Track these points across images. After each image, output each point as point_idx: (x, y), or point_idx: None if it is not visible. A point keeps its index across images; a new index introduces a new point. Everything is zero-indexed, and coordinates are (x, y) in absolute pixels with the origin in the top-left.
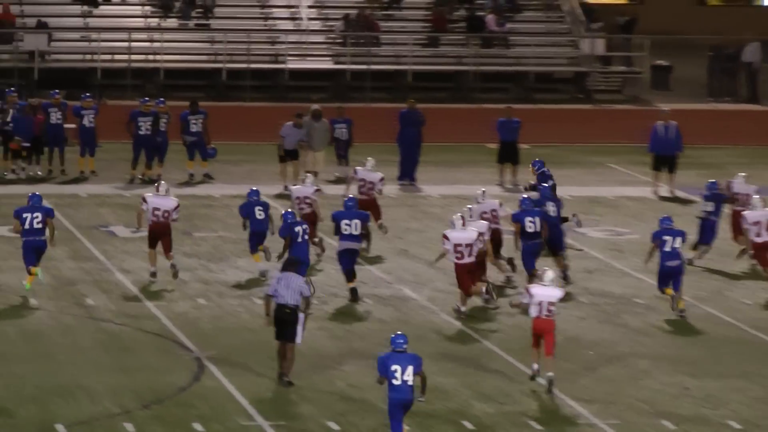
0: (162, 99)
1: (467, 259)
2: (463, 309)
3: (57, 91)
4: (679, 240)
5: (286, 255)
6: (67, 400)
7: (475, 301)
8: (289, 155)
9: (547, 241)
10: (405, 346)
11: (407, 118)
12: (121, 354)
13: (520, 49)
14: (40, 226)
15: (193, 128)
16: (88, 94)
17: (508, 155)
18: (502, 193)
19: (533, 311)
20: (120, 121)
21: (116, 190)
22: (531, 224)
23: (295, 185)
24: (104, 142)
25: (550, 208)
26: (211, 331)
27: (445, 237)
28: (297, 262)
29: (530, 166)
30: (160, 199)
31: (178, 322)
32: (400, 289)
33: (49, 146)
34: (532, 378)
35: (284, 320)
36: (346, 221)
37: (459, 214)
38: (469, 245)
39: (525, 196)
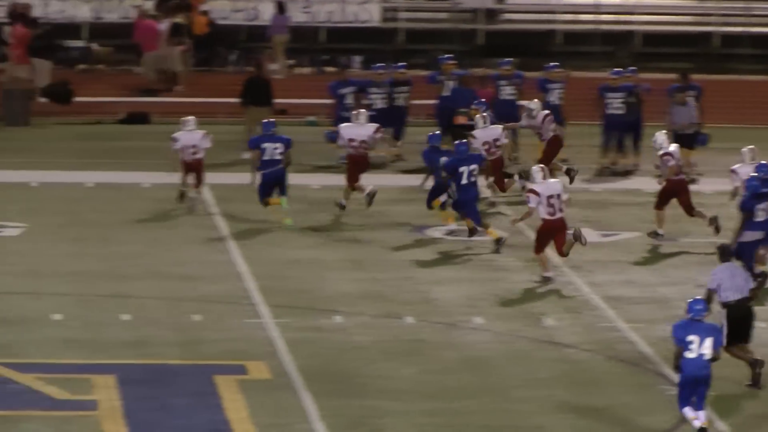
0: (634, 68)
1: (558, 215)
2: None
3: (509, 59)
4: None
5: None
6: None
7: None
8: (682, 141)
9: None
10: (704, 314)
11: None
12: (588, 389)
13: None
14: (280, 156)
15: None
16: (556, 64)
17: None
18: None
19: None
20: (584, 98)
21: (581, 184)
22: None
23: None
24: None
25: None
26: None
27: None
28: (730, 250)
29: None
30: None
31: (660, 349)
32: None
33: None
34: None
35: (746, 317)
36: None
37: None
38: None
39: (754, 174)
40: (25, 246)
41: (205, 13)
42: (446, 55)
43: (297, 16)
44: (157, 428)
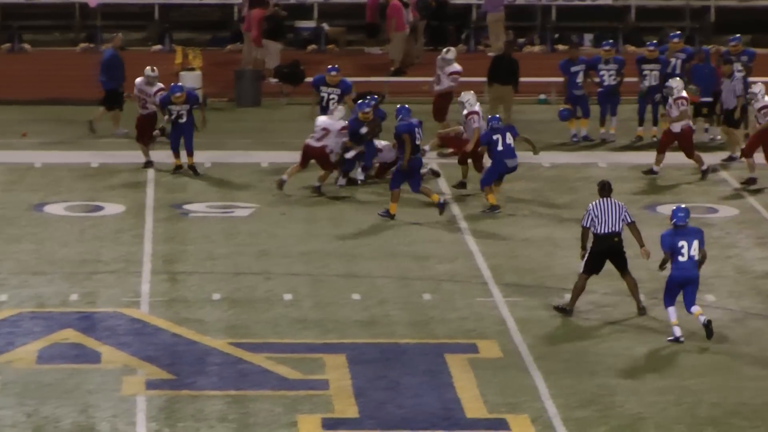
0: None
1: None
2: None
3: (737, 36)
4: None
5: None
6: (753, 423)
7: None
8: None
9: None
10: (687, 220)
11: None
12: None
13: None
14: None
15: None
16: None
17: None
18: None
19: None
20: None
21: None
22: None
23: None
24: None
25: None
26: None
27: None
28: (609, 186)
29: None
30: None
31: None
32: None
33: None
34: None
35: (614, 250)
36: None
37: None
38: (326, 131)
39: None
40: (256, 226)
41: None
42: (674, 33)
43: None
44: (387, 407)
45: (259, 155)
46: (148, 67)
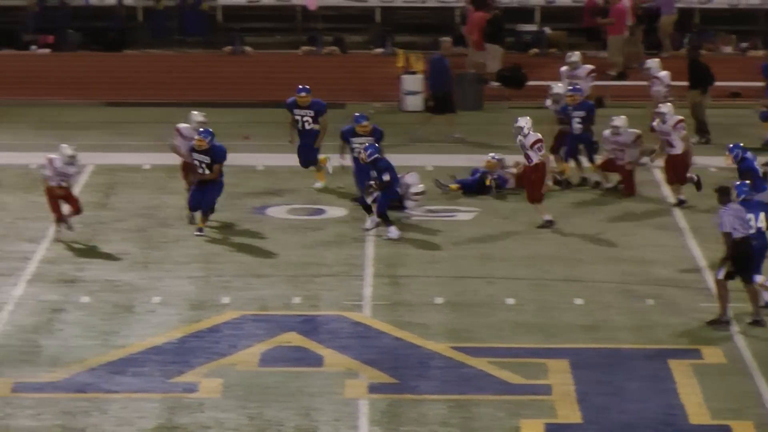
0: None
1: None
2: None
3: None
4: None
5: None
6: None
7: None
8: None
9: None
10: (750, 193)
11: None
12: None
13: None
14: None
15: None
16: None
17: None
18: None
19: None
20: None
21: None
22: None
23: None
24: None
25: None
26: None
27: None
28: (729, 191)
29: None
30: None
31: None
32: None
33: None
34: None
35: (751, 254)
36: None
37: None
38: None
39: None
40: (478, 230)
41: None
42: None
43: None
44: (610, 412)
45: (482, 159)
46: (64, 145)
